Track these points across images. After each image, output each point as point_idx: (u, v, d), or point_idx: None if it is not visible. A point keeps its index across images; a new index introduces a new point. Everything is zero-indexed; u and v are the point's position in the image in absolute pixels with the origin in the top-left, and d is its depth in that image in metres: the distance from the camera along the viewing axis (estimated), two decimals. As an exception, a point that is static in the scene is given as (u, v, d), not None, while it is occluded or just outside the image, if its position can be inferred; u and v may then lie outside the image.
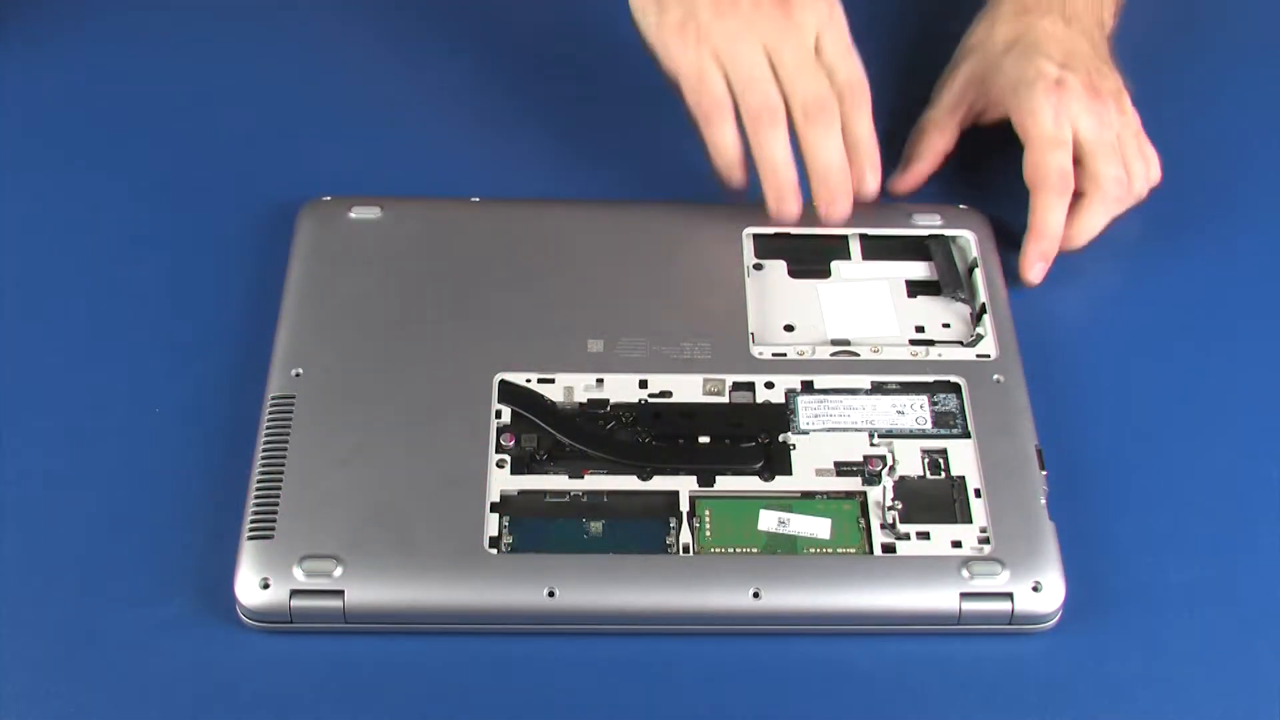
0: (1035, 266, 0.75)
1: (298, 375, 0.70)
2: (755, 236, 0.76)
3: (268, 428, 0.68)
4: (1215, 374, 0.74)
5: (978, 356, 0.72)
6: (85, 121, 0.85)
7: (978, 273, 0.74)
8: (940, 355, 0.72)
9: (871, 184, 0.74)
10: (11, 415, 0.71)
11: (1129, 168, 0.76)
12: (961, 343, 0.73)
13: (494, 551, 0.65)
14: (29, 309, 0.76)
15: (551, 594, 0.64)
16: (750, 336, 0.72)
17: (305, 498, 0.66)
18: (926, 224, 0.77)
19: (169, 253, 0.78)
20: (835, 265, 0.76)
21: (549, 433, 0.69)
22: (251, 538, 0.65)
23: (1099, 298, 0.79)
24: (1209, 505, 0.70)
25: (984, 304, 0.73)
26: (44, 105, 0.86)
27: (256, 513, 0.65)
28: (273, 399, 0.69)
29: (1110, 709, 0.64)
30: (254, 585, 0.64)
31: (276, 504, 0.65)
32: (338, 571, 0.64)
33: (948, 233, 0.77)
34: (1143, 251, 0.79)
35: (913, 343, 0.73)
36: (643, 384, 0.70)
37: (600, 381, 0.70)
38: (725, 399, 0.70)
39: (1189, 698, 0.64)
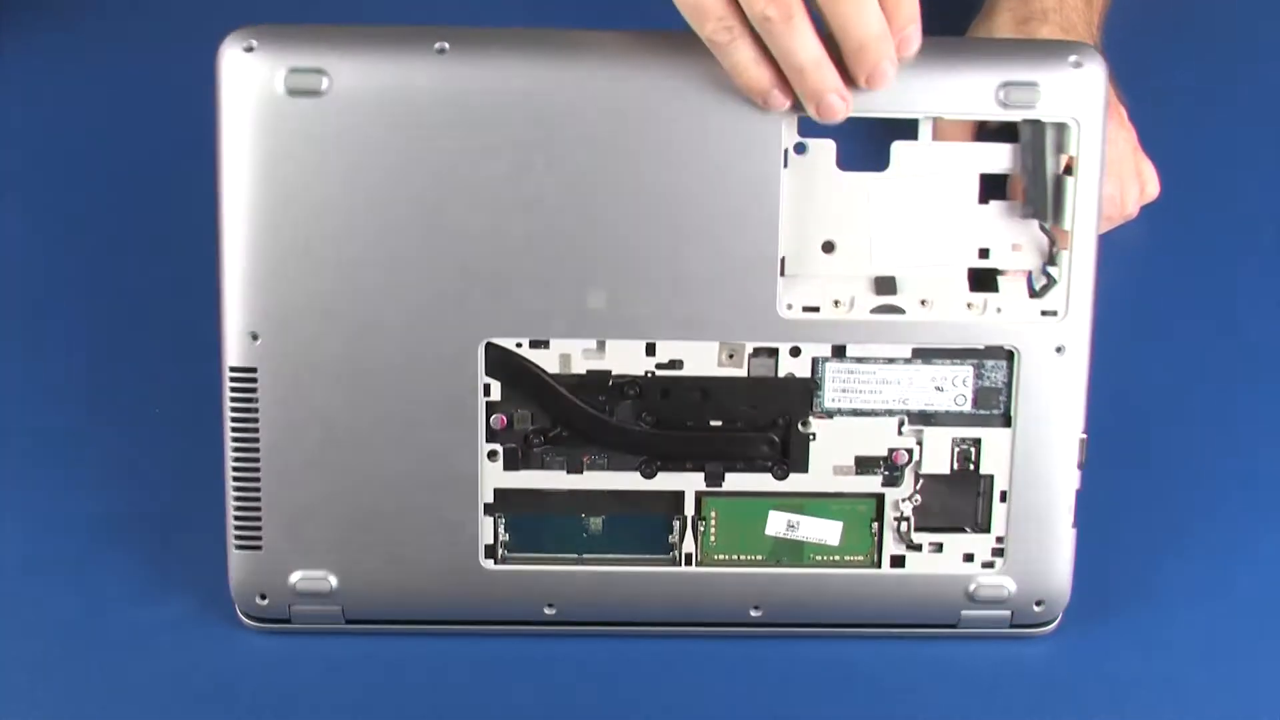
0: None
1: (256, 339, 0.60)
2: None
3: (233, 417, 0.61)
4: (1216, 373, 0.74)
5: (1042, 313, 0.61)
6: (74, 117, 0.85)
7: (1070, 183, 0.60)
8: (999, 311, 0.61)
9: (914, 45, 0.58)
10: (12, 415, 0.71)
11: (1123, 186, 0.75)
12: (1030, 289, 0.61)
13: (490, 563, 0.63)
14: (28, 308, 0.75)
15: (550, 606, 0.63)
16: (780, 266, 0.60)
17: (288, 502, 0.62)
18: (1023, 96, 0.59)
19: (169, 249, 0.77)
20: (896, 149, 0.60)
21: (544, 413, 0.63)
22: (239, 548, 0.63)
23: (1100, 294, 0.78)
24: (1209, 505, 0.69)
25: (1067, 234, 0.60)
26: (33, 99, 0.86)
27: (239, 522, 0.62)
28: (232, 372, 0.61)
29: (1111, 709, 0.63)
30: (250, 596, 0.63)
31: (259, 511, 0.62)
32: (332, 582, 0.63)
33: (1048, 119, 0.60)
34: (1144, 250, 0.78)
35: (973, 286, 0.61)
36: (650, 350, 0.62)
37: (601, 345, 0.62)
38: (744, 370, 0.62)
39: (1189, 698, 0.63)
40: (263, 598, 0.63)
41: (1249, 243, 0.80)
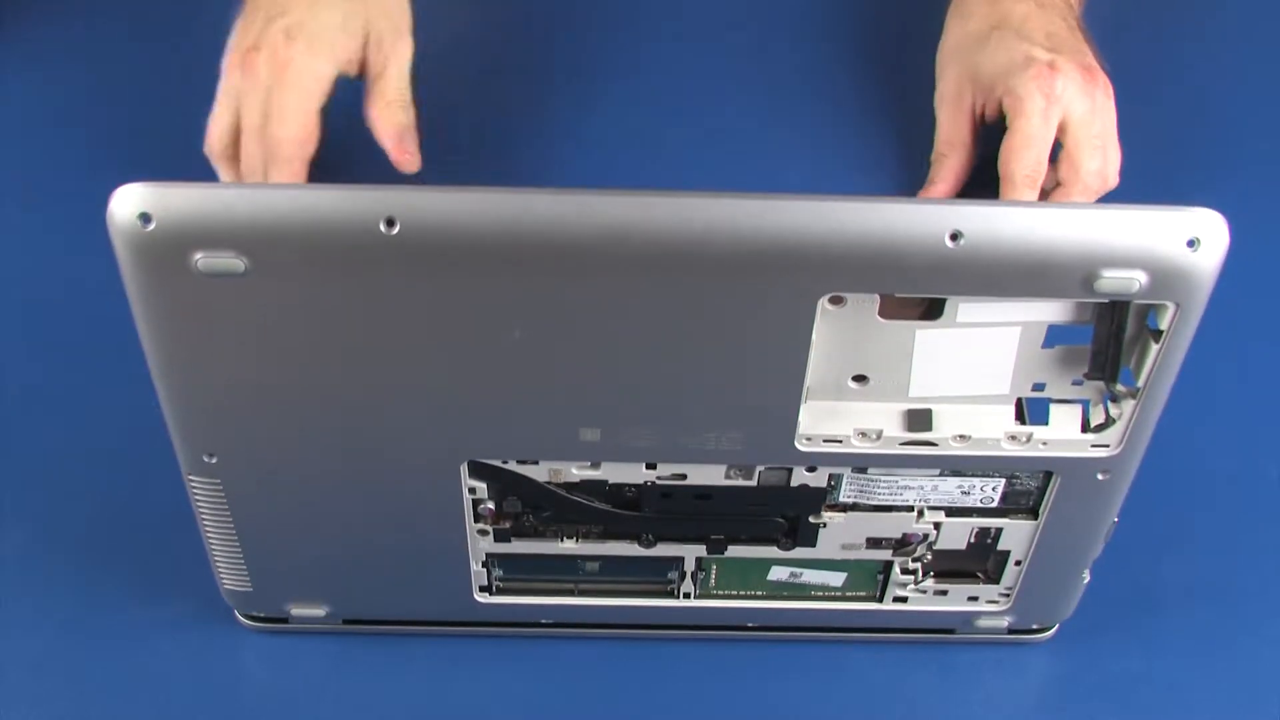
0: None
1: (211, 458, 0.54)
2: None
3: (198, 503, 0.57)
4: (1215, 373, 0.73)
5: (1093, 446, 0.53)
6: (85, 117, 0.84)
7: (1153, 349, 0.50)
8: (1044, 445, 0.53)
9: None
10: (12, 415, 0.70)
11: (1106, 157, 0.73)
12: (1083, 426, 0.53)
13: (485, 596, 0.61)
14: (29, 307, 0.74)
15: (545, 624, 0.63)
16: (803, 394, 0.51)
17: (270, 558, 0.59)
18: (1120, 286, 0.47)
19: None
20: (954, 305, 0.49)
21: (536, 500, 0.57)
22: (228, 588, 0.62)
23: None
24: (1209, 505, 0.68)
25: (1139, 390, 0.51)
26: (38, 102, 0.85)
27: (223, 572, 0.60)
28: (191, 478, 0.55)
29: (1110, 710, 0.62)
30: (244, 609, 0.63)
31: (243, 567, 0.60)
32: (327, 610, 0.62)
33: (1142, 301, 0.48)
34: None
35: (1017, 418, 0.53)
36: (650, 466, 0.56)
37: (596, 465, 0.56)
38: (753, 481, 0.56)
39: (1189, 698, 0.62)
40: (260, 617, 0.63)
41: (1251, 243, 0.79)
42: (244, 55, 0.70)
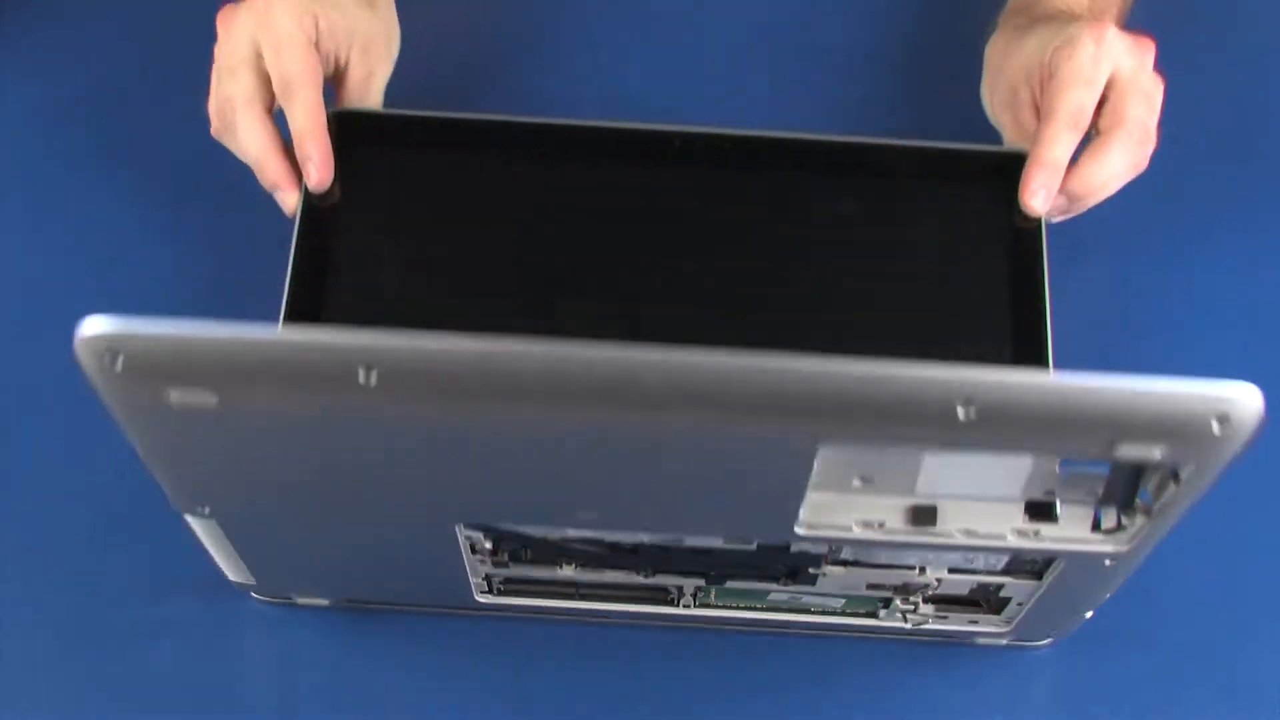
0: (1038, 194, 0.67)
1: (206, 510, 0.54)
2: None
3: (196, 535, 0.57)
4: (1215, 374, 0.73)
5: (1103, 538, 0.52)
6: (92, 113, 0.84)
7: (1171, 487, 0.48)
8: (1051, 541, 0.52)
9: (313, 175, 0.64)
10: (11, 415, 0.69)
11: (1150, 112, 0.68)
12: (1094, 525, 0.52)
13: (487, 597, 0.62)
14: (29, 307, 0.74)
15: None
16: (803, 500, 0.50)
17: (275, 571, 0.60)
18: (1142, 454, 0.45)
19: (170, 250, 0.75)
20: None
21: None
22: (233, 580, 0.62)
23: (1103, 298, 0.77)
24: (1209, 509, 0.69)
25: (1154, 509, 0.50)
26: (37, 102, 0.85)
27: (228, 573, 0.61)
28: (187, 518, 0.55)
29: (1111, 713, 0.62)
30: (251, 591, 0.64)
31: (246, 571, 0.60)
32: (330, 601, 0.63)
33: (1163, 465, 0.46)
34: (1141, 247, 0.75)
35: (1025, 515, 0.52)
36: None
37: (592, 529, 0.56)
38: (751, 546, 0.55)
39: (1190, 702, 0.63)
40: (268, 601, 0.64)
41: (1251, 243, 0.79)
42: (223, 13, 0.67)
